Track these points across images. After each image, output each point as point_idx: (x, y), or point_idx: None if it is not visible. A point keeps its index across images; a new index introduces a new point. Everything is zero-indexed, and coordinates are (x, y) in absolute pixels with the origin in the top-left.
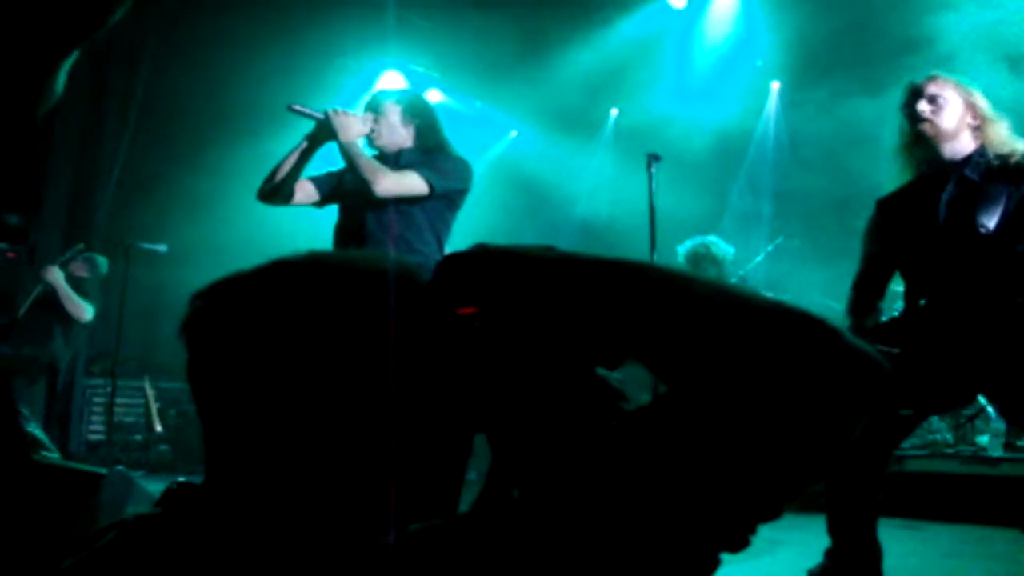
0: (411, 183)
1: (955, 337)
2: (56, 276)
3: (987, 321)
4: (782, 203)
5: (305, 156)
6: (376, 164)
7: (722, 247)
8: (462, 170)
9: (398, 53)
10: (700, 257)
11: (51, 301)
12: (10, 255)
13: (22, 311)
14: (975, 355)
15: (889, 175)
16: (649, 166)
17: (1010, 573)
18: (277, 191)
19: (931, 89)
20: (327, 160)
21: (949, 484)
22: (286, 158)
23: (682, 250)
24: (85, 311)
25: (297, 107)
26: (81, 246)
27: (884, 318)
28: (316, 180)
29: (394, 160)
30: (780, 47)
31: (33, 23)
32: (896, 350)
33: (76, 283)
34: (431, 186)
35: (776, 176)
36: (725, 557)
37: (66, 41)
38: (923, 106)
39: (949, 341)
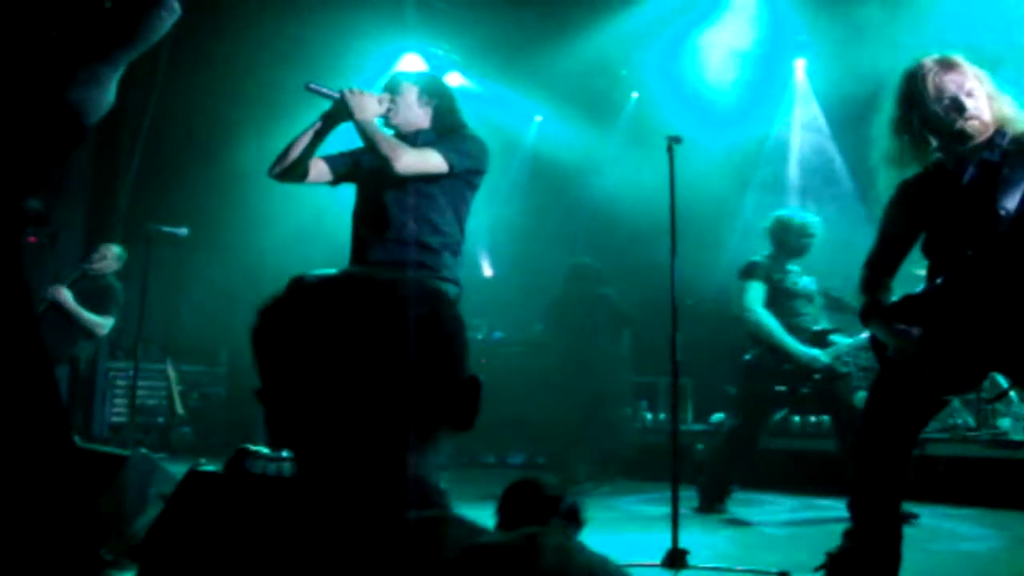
0: (431, 160)
1: (969, 318)
2: (64, 297)
3: (1000, 304)
4: (803, 183)
5: (320, 135)
6: (395, 141)
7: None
8: (480, 151)
9: (418, 36)
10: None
11: (63, 311)
12: (31, 239)
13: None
14: (988, 336)
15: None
16: (669, 149)
17: None
18: (290, 169)
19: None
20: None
21: (970, 468)
22: (300, 136)
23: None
24: (101, 326)
25: (314, 86)
26: (82, 269)
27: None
28: (330, 159)
29: (411, 141)
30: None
31: (76, 35)
32: (915, 330)
33: (98, 288)
34: (450, 164)
35: (799, 158)
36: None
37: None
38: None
39: (963, 321)
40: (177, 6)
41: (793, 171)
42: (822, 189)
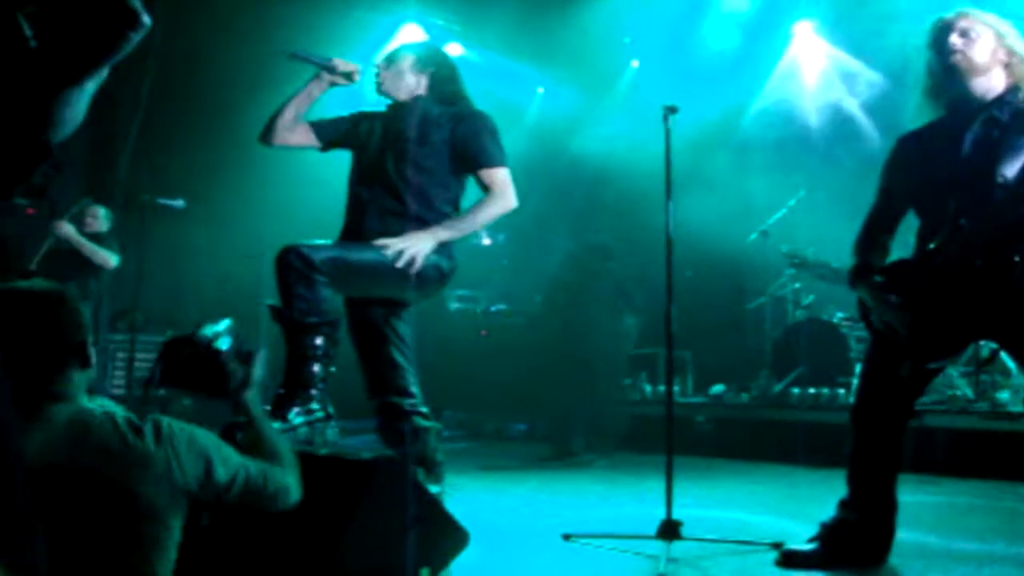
0: (505, 182)
1: (955, 285)
2: (69, 230)
3: (985, 274)
4: (805, 155)
5: (307, 100)
6: (483, 214)
7: None
8: (498, 133)
9: (417, 6)
10: None
11: (64, 256)
12: (29, 211)
13: (34, 263)
14: (972, 304)
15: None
16: (666, 118)
17: None
18: (278, 133)
19: (962, 23)
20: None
21: (968, 439)
22: (290, 100)
23: None
24: (110, 258)
25: (299, 53)
26: (89, 200)
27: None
28: (320, 124)
29: (410, 108)
30: None
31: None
32: (895, 298)
33: (93, 238)
34: (504, 165)
35: (798, 127)
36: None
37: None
38: (954, 39)
39: (949, 288)
40: (147, 20)
41: (800, 134)
42: (842, 148)
